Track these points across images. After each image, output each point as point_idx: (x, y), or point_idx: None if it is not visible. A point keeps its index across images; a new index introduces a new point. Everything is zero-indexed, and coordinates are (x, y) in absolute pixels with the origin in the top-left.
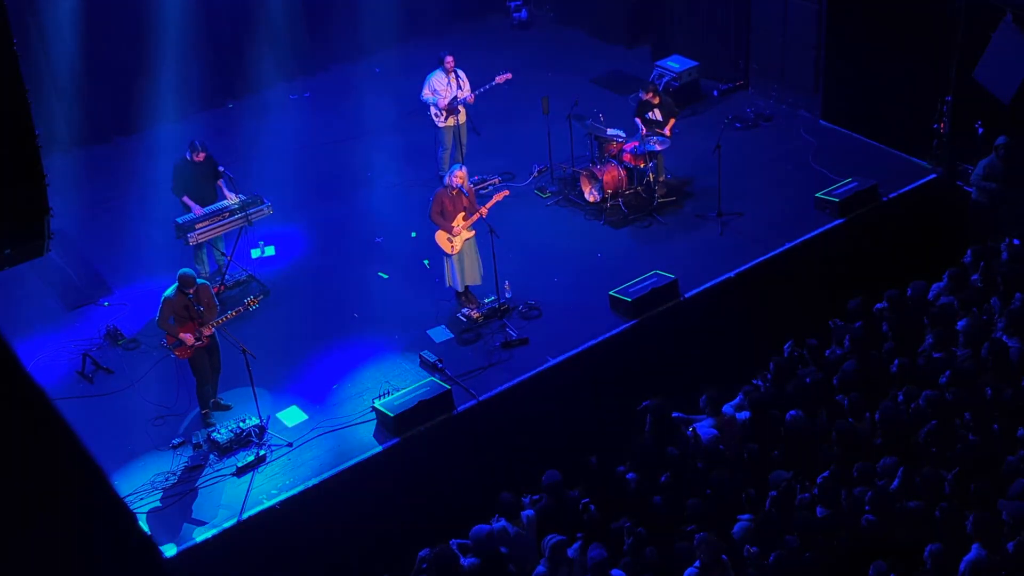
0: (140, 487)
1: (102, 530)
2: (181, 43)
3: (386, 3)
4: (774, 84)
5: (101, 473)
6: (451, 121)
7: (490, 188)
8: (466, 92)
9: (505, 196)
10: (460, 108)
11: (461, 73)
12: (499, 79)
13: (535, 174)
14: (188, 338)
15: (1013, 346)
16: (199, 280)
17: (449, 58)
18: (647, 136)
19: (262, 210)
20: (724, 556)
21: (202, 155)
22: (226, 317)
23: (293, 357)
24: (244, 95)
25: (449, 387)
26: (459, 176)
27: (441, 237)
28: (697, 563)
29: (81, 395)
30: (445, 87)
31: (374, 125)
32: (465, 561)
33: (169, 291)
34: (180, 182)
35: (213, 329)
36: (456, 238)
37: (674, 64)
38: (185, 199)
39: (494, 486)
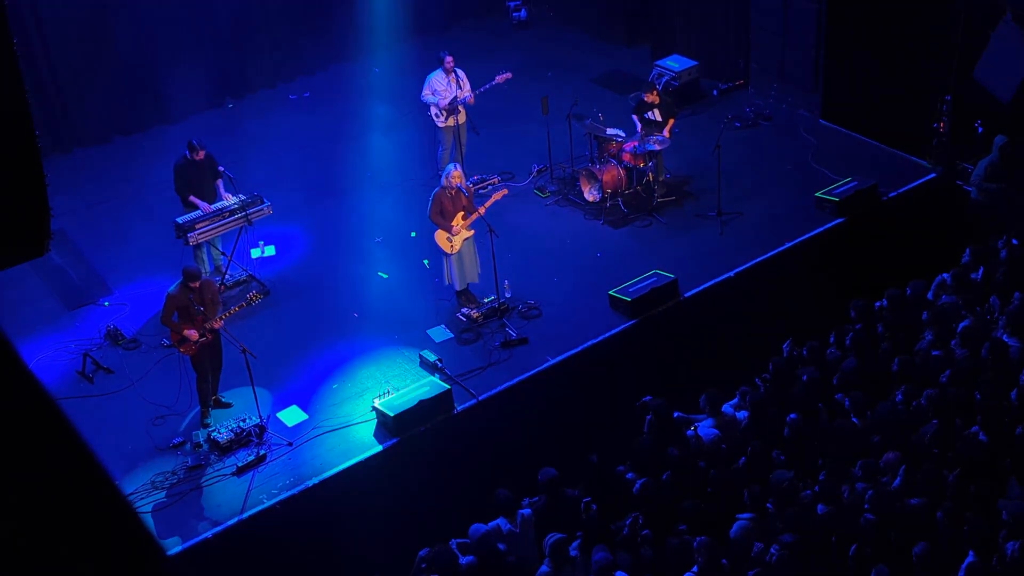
0: (140, 487)
1: (107, 529)
2: (181, 43)
3: (386, 3)
4: (774, 83)
5: (105, 471)
6: (451, 121)
7: (490, 188)
8: (466, 92)
9: (504, 195)
10: (460, 108)
11: (461, 73)
12: (499, 79)
13: (534, 174)
14: (192, 334)
15: (1013, 345)
16: (203, 276)
17: (449, 58)
18: (646, 136)
19: (262, 210)
20: (724, 560)
21: (202, 153)
22: (231, 312)
23: (293, 357)
24: (244, 95)
25: (449, 387)
26: (455, 176)
27: (440, 237)
28: (695, 568)
29: (81, 395)
30: (445, 87)
31: (374, 125)
32: (463, 560)
33: (173, 287)
34: (183, 181)
35: (216, 326)
36: (455, 238)
37: (674, 64)
38: (192, 198)
39: (494, 486)
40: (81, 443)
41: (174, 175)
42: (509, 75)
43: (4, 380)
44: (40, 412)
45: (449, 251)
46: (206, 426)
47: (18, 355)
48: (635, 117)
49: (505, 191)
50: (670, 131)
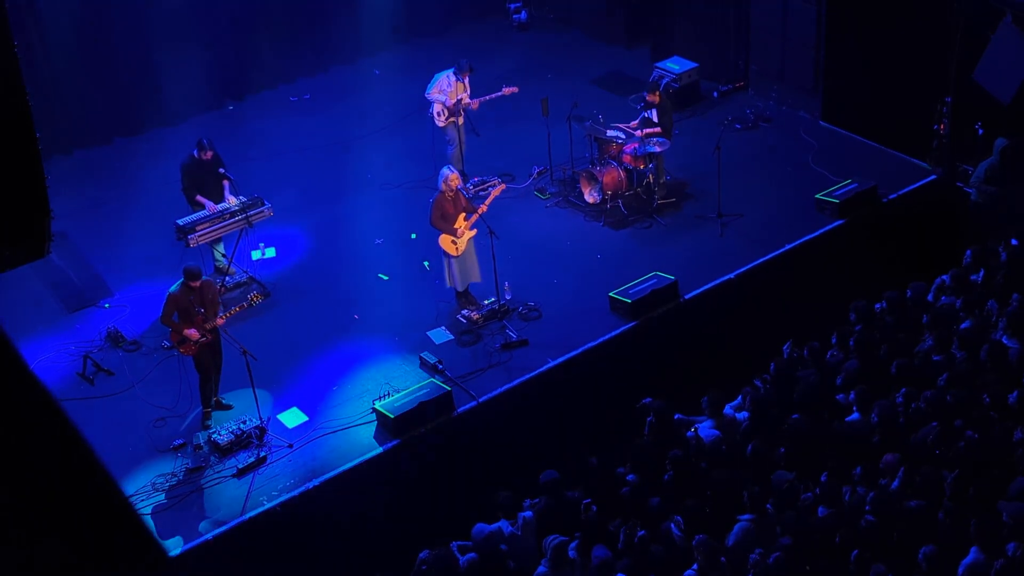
0: (141, 488)
1: (110, 529)
2: (182, 44)
3: (386, 4)
4: (774, 85)
5: (107, 473)
6: (451, 120)
7: (490, 190)
8: (469, 97)
9: (502, 190)
10: (461, 111)
11: (464, 77)
12: (506, 90)
13: (535, 175)
14: (193, 334)
15: (1013, 347)
16: (204, 277)
17: (468, 71)
18: (646, 137)
19: (262, 212)
20: (723, 559)
21: (210, 153)
22: (230, 312)
23: (294, 358)
24: (244, 96)
25: (449, 388)
26: (453, 179)
27: (445, 240)
28: (695, 566)
29: (82, 397)
30: (451, 89)
31: (374, 127)
32: (464, 558)
33: (174, 287)
34: (189, 181)
35: (218, 324)
36: (460, 239)
37: (674, 65)
38: (199, 197)
39: (494, 487)
40: (84, 445)
41: (181, 174)
42: (515, 89)
43: (8, 383)
44: (43, 414)
45: (455, 254)
46: (207, 427)
47: (21, 358)
48: (644, 113)
49: (503, 186)
50: (646, 136)
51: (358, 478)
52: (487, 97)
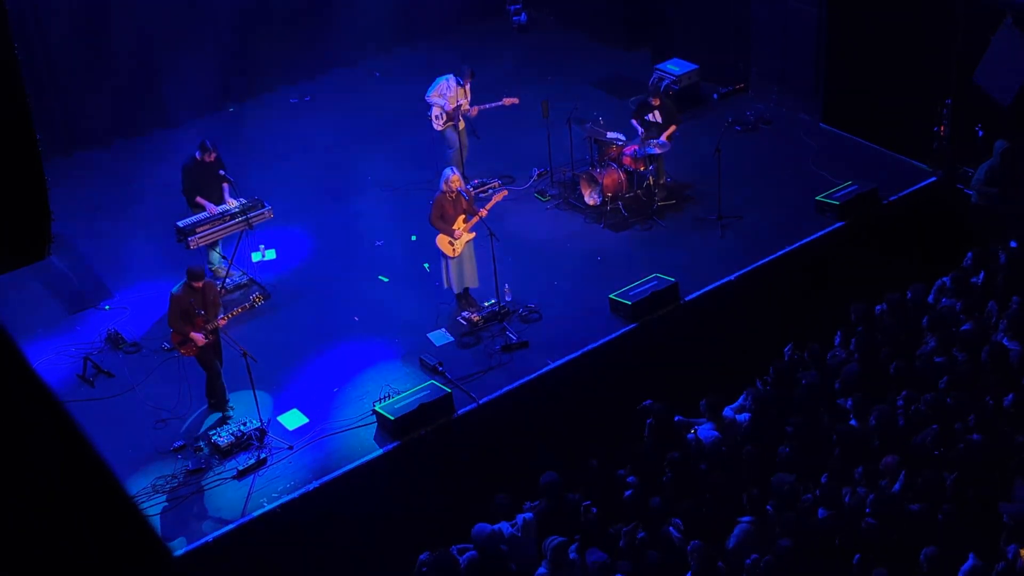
0: (141, 490)
1: (115, 530)
2: (182, 46)
3: (386, 6)
4: (774, 87)
5: (112, 473)
6: (449, 124)
7: (490, 192)
8: (469, 104)
9: (504, 196)
10: (460, 115)
11: (466, 83)
12: (506, 101)
13: (535, 178)
14: (199, 339)
15: (1013, 349)
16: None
17: (470, 77)
18: (647, 139)
19: (263, 213)
20: (720, 563)
21: (213, 155)
22: (232, 313)
23: (294, 360)
24: (245, 98)
25: (449, 390)
26: (455, 180)
27: (442, 240)
28: (689, 573)
29: (82, 399)
30: (452, 94)
31: (374, 128)
32: (464, 557)
33: (176, 287)
34: (190, 183)
35: (219, 325)
36: (457, 241)
37: (674, 67)
38: (199, 199)
39: (494, 489)
40: (87, 445)
41: (182, 176)
42: (516, 100)
43: (13, 385)
44: (45, 414)
45: (452, 255)
46: (229, 419)
47: (23, 356)
48: (635, 121)
49: (505, 192)
50: (669, 137)
51: (358, 480)
52: (487, 106)
